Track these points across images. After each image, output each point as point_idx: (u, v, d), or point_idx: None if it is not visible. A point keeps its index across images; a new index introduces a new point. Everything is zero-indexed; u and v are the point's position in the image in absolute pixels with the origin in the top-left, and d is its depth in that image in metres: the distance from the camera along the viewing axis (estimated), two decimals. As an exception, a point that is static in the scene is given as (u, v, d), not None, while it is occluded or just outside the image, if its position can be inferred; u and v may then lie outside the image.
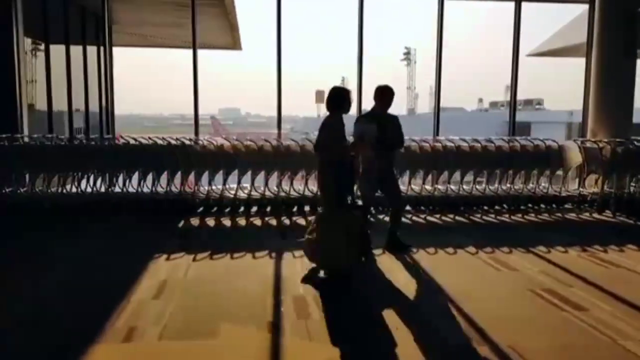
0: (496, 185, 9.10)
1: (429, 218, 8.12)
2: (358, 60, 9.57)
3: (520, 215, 8.36)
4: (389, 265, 5.61)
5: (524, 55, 23.56)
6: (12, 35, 9.25)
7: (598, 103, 9.50)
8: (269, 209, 8.49)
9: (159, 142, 8.46)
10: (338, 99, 5.29)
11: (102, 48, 16.21)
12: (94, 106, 15.97)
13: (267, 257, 5.80)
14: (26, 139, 8.65)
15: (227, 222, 7.79)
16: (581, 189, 9.13)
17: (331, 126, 5.25)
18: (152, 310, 4.23)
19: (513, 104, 10.22)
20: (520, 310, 4.41)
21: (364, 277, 5.24)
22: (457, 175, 9.08)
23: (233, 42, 19.56)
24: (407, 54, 77.79)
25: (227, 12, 15.07)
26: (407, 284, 5.02)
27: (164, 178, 8.47)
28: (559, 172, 9.27)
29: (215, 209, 8.45)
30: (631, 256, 6.05)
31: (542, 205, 8.95)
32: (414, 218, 8.11)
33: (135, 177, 8.50)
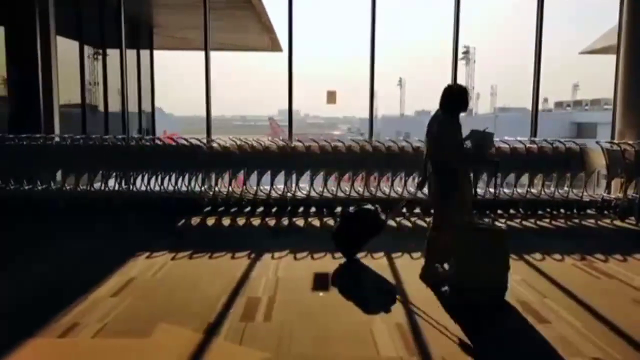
0: (512, 188, 8.71)
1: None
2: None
3: (533, 220, 7.98)
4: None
5: (577, 53, 22.62)
6: (48, 38, 9.71)
7: (626, 102, 8.93)
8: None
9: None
10: (455, 98, 4.86)
11: (147, 52, 16.96)
12: (147, 107, 16.76)
13: (245, 258, 5.78)
14: (57, 139, 9.02)
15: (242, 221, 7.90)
16: (604, 194, 8.61)
17: (449, 128, 4.77)
18: (103, 307, 4.30)
19: (535, 103, 9.74)
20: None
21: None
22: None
23: (271, 44, 19.71)
24: (466, 52, 76.04)
25: (257, 15, 15.21)
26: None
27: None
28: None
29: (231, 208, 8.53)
30: (632, 267, 5.64)
31: (562, 211, 8.50)
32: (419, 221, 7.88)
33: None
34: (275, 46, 20.18)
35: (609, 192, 8.62)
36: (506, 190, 8.71)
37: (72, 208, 8.35)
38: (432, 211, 5.37)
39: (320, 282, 5.04)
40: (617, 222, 7.97)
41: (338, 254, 5.91)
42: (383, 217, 5.82)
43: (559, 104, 59.82)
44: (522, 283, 5.05)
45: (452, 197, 4.81)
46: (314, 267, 5.52)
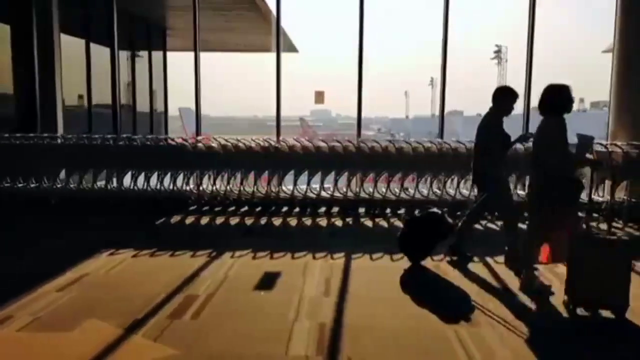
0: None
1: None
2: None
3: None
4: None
5: (600, 52, 22.05)
6: (51, 38, 9.95)
7: (619, 102, 8.69)
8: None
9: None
10: (560, 98, 4.65)
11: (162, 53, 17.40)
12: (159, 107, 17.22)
13: (205, 257, 5.85)
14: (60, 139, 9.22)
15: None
16: (593, 196, 8.38)
17: (554, 131, 4.57)
18: (43, 301, 4.43)
19: (527, 103, 9.55)
20: (387, 321, 4.17)
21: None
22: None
23: (285, 45, 19.82)
24: (498, 52, 74.67)
25: (264, 17, 15.37)
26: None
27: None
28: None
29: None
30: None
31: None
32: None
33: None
34: (289, 47, 20.33)
35: (598, 195, 8.37)
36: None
37: (62, 206, 8.57)
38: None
39: (267, 281, 5.07)
40: (602, 225, 7.75)
41: (299, 254, 5.96)
42: (450, 220, 5.69)
43: (595, 104, 58.31)
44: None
45: (567, 205, 4.57)
46: (268, 266, 5.56)
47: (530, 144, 5.28)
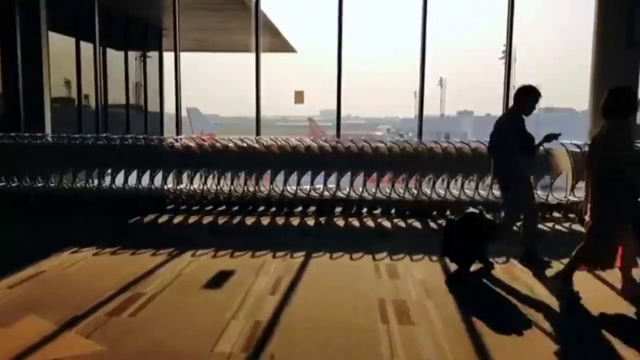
0: (473, 190, 8.56)
1: (389, 223, 7.87)
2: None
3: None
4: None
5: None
6: (39, 37, 9.97)
7: (597, 102, 8.59)
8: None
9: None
10: (625, 100, 4.56)
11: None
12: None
13: (165, 255, 5.91)
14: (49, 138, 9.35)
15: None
16: (570, 197, 8.35)
17: (614, 134, 4.46)
18: (-8, 297, 4.52)
19: (506, 103, 9.52)
20: (325, 318, 4.18)
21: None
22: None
23: (282, 45, 19.89)
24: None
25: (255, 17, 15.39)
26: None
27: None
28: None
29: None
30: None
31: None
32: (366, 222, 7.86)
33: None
34: (286, 47, 20.40)
35: (574, 195, 8.33)
36: (468, 192, 8.54)
37: (40, 204, 8.68)
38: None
39: (218, 280, 5.12)
40: (575, 226, 7.72)
41: (259, 252, 6.01)
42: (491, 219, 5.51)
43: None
44: (415, 284, 5.00)
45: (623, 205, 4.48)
46: (225, 265, 5.59)
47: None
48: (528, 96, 5.45)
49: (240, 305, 4.41)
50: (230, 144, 8.88)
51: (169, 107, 17.20)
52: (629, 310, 4.42)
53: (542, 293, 4.87)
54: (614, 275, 4.85)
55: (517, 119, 5.49)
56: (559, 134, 5.57)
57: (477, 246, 5.40)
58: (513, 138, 5.43)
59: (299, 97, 10.15)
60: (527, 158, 5.55)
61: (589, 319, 4.27)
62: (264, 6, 13.32)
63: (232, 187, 8.79)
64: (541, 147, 7.92)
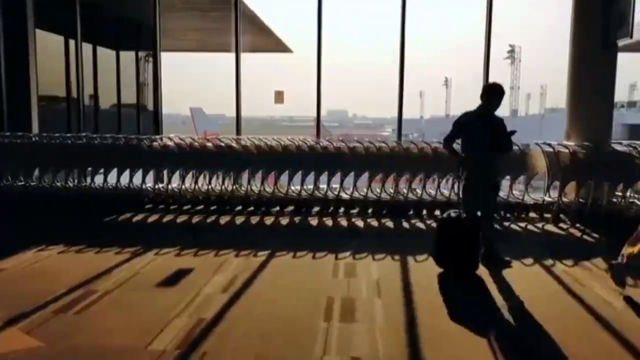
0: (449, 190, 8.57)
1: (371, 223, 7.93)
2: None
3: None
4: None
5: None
6: (25, 35, 9.96)
7: (573, 103, 8.62)
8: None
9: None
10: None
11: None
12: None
13: (129, 254, 5.96)
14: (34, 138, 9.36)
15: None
16: (545, 197, 8.34)
17: None
18: None
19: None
20: (268, 316, 4.22)
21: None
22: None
23: (276, 45, 19.92)
24: (511, 51, 74.02)
25: (248, 19, 15.48)
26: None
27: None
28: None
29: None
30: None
31: (502, 214, 8.31)
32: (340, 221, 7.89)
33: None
34: (281, 47, 20.44)
35: (550, 195, 8.32)
36: (445, 192, 8.55)
37: (19, 203, 8.76)
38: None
39: (174, 278, 5.16)
40: (549, 226, 7.72)
41: (223, 251, 6.05)
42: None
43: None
44: (375, 281, 5.03)
45: None
46: (186, 263, 5.64)
47: None
48: (489, 95, 5.46)
49: (188, 304, 4.45)
50: (209, 144, 8.93)
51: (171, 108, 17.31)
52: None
53: (494, 294, 4.88)
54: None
55: (484, 116, 5.48)
56: (515, 131, 5.56)
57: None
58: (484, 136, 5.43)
59: (278, 97, 10.19)
60: (494, 156, 5.57)
61: (533, 324, 4.26)
62: (261, 7, 13.40)
63: (209, 187, 8.84)
64: (516, 147, 8.08)
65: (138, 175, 8.94)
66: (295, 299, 4.67)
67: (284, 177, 8.77)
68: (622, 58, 8.68)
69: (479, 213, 5.56)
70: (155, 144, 8.96)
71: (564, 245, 6.86)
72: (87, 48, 12.16)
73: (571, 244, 6.98)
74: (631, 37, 7.57)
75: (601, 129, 8.35)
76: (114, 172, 8.90)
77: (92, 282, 5.00)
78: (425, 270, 5.48)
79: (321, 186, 8.76)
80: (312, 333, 3.89)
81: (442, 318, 4.26)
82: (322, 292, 4.79)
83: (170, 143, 8.94)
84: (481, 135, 5.39)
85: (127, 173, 8.87)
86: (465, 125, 5.49)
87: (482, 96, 5.49)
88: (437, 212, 7.91)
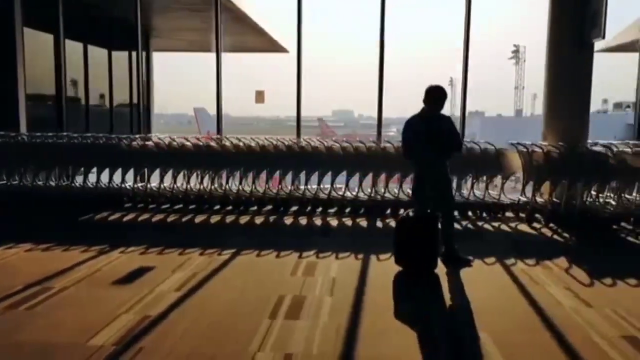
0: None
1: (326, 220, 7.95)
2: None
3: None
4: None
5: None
6: (13, 33, 9.97)
7: (549, 103, 8.62)
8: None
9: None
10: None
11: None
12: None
13: (94, 252, 6.02)
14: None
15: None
16: (521, 197, 8.35)
17: None
18: None
19: (463, 103, 9.54)
20: (212, 315, 4.27)
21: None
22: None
23: (271, 45, 19.99)
24: (516, 51, 73.71)
25: (240, 18, 15.55)
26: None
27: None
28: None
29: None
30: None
31: (479, 213, 8.34)
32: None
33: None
34: (277, 47, 20.49)
35: (525, 195, 8.33)
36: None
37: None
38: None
39: (133, 276, 5.22)
40: (522, 226, 7.74)
41: (189, 250, 6.11)
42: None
43: (618, 105, 57.12)
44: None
45: None
46: (148, 262, 5.69)
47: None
48: (430, 98, 5.52)
49: (138, 301, 4.50)
50: (188, 143, 8.99)
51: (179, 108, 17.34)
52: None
53: (445, 292, 4.93)
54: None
55: (427, 118, 5.54)
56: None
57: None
58: (425, 138, 5.50)
59: (259, 96, 10.24)
60: (443, 156, 5.62)
61: (473, 322, 4.29)
62: (258, 7, 13.43)
63: (188, 186, 8.91)
64: (492, 147, 8.10)
65: (122, 175, 8.99)
66: (246, 297, 4.72)
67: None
68: (629, 58, 8.72)
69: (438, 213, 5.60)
70: (134, 143, 9.00)
71: (531, 245, 6.88)
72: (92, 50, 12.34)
73: (539, 243, 6.99)
74: (603, 37, 7.56)
75: (577, 129, 8.33)
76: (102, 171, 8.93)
77: (51, 279, 5.06)
78: (385, 270, 5.51)
79: (301, 186, 8.80)
80: (253, 330, 3.93)
81: (386, 316, 4.29)
82: (275, 290, 4.83)
83: (149, 142, 9.00)
84: (425, 137, 5.47)
85: (96, 172, 8.93)
86: (410, 129, 5.61)
87: (424, 99, 5.54)
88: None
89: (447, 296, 4.85)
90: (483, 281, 5.28)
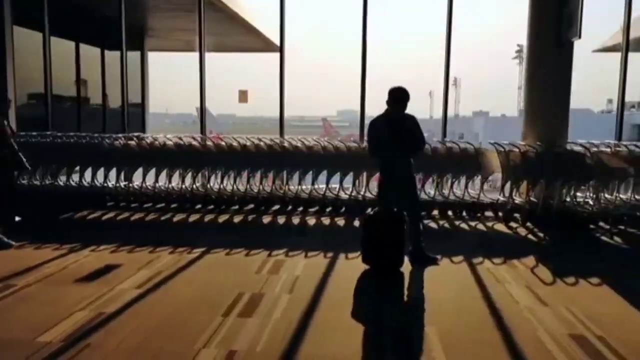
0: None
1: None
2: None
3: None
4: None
5: (591, 51, 21.59)
6: (2, 32, 9.93)
7: (529, 103, 8.62)
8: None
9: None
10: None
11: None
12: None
13: (65, 250, 6.07)
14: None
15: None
16: (500, 197, 8.35)
17: None
18: None
19: (445, 103, 9.54)
20: (164, 314, 4.30)
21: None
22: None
23: (265, 45, 20.01)
24: (519, 52, 73.59)
25: (233, 18, 15.60)
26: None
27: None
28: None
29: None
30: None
31: (458, 213, 8.36)
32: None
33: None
34: (271, 47, 20.51)
35: (504, 195, 8.32)
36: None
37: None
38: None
39: (96, 274, 5.26)
40: (499, 226, 7.74)
41: (160, 249, 6.16)
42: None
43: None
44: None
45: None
46: (117, 260, 5.74)
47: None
48: (391, 98, 5.57)
49: (97, 298, 4.55)
50: (170, 142, 9.04)
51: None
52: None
53: (406, 290, 4.97)
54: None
55: (391, 119, 5.58)
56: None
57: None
58: (390, 138, 5.53)
59: (242, 96, 10.28)
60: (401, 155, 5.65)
61: (427, 318, 4.31)
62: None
63: (170, 185, 8.96)
64: (471, 147, 8.11)
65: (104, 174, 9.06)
66: (205, 294, 4.75)
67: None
68: (634, 57, 8.74)
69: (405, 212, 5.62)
70: (117, 142, 9.06)
71: (503, 244, 6.89)
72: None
73: (512, 243, 7.01)
74: (579, 37, 7.56)
75: (556, 129, 8.32)
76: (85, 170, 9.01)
77: (16, 277, 5.12)
78: (351, 268, 5.54)
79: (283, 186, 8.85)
80: (203, 327, 3.96)
81: (342, 314, 4.32)
82: (236, 288, 4.87)
83: (131, 142, 9.05)
84: (388, 137, 5.51)
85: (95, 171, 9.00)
86: (373, 129, 5.66)
87: (387, 100, 5.58)
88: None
89: (405, 294, 4.87)
90: (446, 280, 5.30)
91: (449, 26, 9.24)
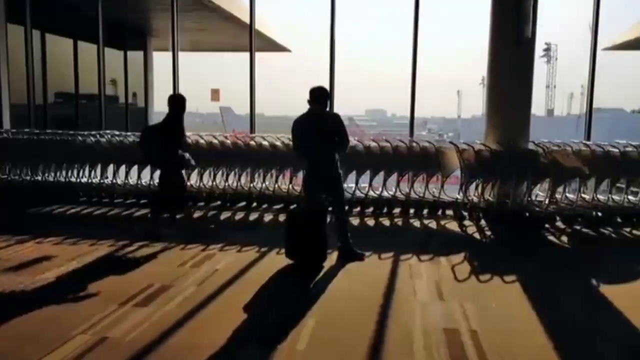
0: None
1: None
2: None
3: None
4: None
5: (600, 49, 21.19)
6: None
7: (490, 101, 8.59)
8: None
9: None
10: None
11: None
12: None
13: (10, 242, 6.32)
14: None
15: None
16: (458, 196, 8.34)
17: None
18: None
19: (412, 105, 9.55)
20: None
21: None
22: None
23: (270, 45, 20.24)
24: (547, 50, 72.17)
25: (228, 18, 15.84)
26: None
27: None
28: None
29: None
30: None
31: (420, 211, 8.37)
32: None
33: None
34: (275, 47, 20.74)
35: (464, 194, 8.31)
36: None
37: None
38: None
39: (27, 265, 5.48)
40: (451, 224, 7.74)
41: (102, 242, 6.35)
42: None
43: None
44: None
45: None
46: (55, 252, 5.94)
47: None
48: (312, 98, 5.68)
49: (11, 286, 4.77)
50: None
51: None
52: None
53: (318, 284, 5.08)
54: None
55: (313, 116, 5.68)
56: None
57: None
58: (313, 136, 5.63)
59: (214, 94, 10.47)
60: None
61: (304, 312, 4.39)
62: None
63: (139, 182, 9.20)
64: (432, 146, 8.11)
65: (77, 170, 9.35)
66: (113, 284, 4.92)
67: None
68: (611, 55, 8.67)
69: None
70: (88, 140, 9.35)
71: (445, 242, 6.89)
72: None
73: (454, 240, 7.03)
74: (532, 35, 7.53)
75: (517, 128, 8.28)
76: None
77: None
78: (274, 263, 5.63)
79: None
80: (92, 315, 4.13)
81: (232, 307, 4.43)
82: (148, 280, 5.01)
83: (102, 139, 9.33)
84: (310, 135, 5.62)
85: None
86: (296, 127, 5.76)
87: (308, 100, 5.68)
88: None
89: (310, 288, 4.95)
90: (359, 274, 5.35)
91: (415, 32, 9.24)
